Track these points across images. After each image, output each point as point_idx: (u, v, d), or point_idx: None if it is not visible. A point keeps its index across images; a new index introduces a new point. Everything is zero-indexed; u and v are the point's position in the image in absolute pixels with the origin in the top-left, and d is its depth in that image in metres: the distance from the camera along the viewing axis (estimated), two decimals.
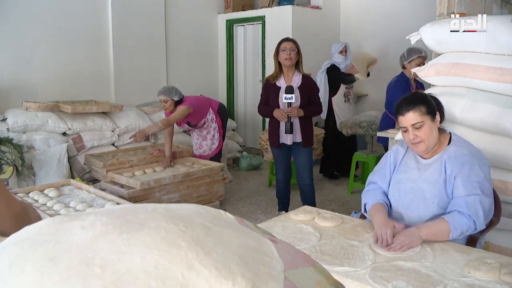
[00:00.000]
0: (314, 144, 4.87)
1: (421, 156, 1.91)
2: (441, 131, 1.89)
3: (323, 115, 5.04)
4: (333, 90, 4.93)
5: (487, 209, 1.73)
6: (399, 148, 2.03)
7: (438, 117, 1.84)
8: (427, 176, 1.86)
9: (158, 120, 4.03)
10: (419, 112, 1.78)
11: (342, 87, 4.91)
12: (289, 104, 3.27)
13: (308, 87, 3.36)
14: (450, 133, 1.92)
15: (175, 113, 3.92)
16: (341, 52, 4.87)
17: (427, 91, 2.35)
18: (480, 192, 1.72)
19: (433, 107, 1.83)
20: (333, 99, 4.93)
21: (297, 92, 3.29)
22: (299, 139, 3.38)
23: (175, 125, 4.15)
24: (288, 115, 3.25)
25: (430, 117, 1.80)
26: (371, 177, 2.09)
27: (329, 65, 4.91)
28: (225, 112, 4.44)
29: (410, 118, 1.79)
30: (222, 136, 4.31)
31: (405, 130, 1.83)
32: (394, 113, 1.88)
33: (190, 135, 4.51)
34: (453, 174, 1.78)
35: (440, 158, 1.85)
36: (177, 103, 3.95)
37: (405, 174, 1.93)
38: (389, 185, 2.00)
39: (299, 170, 3.50)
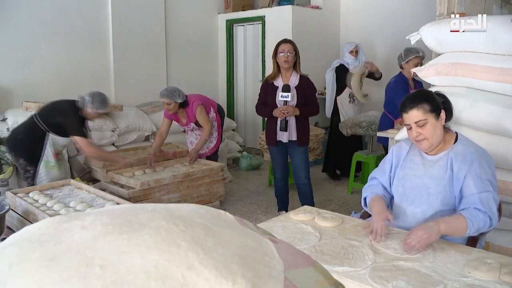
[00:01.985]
0: (314, 144, 4.87)
1: (426, 153, 1.91)
2: (446, 129, 1.90)
3: (328, 114, 5.02)
4: (338, 90, 4.92)
5: (498, 206, 1.74)
6: (403, 145, 2.04)
7: (443, 115, 1.84)
8: (432, 172, 1.86)
9: (202, 135, 3.99)
10: (422, 110, 1.79)
11: (348, 88, 4.89)
12: (285, 102, 3.29)
13: (305, 87, 3.38)
14: (456, 132, 1.92)
15: (203, 119, 3.91)
16: (351, 52, 4.82)
17: (432, 89, 2.35)
18: (492, 189, 1.73)
19: (438, 105, 1.82)
20: (338, 98, 4.92)
21: (293, 91, 3.32)
22: (294, 137, 3.40)
23: (176, 124, 4.15)
24: (283, 113, 3.28)
25: (434, 115, 1.80)
26: (372, 173, 2.13)
27: (338, 65, 4.88)
28: (223, 112, 4.44)
29: (413, 115, 1.80)
30: (220, 135, 4.30)
31: (409, 128, 1.83)
32: (399, 110, 1.88)
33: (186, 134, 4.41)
34: (462, 173, 1.78)
35: (446, 155, 1.85)
36: (181, 105, 3.89)
37: (410, 170, 1.94)
38: (389, 179, 2.02)
39: (296, 170, 3.53)
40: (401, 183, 1.95)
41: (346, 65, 4.86)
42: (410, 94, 1.93)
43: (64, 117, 3.34)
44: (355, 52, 4.83)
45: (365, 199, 2.06)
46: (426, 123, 1.79)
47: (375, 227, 1.76)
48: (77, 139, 3.38)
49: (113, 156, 3.85)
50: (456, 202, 1.82)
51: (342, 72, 4.86)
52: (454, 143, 1.87)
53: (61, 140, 3.46)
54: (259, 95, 3.53)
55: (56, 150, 3.48)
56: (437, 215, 1.82)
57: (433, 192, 1.84)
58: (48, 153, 3.42)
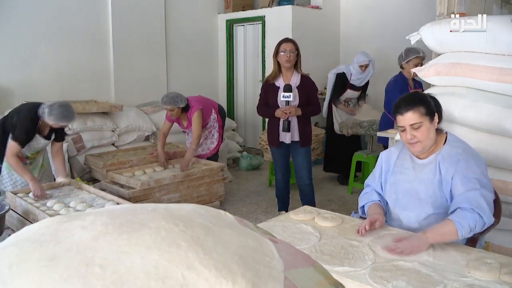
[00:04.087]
0: (314, 144, 4.86)
1: (416, 156, 1.91)
2: (438, 131, 1.89)
3: (324, 113, 5.01)
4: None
5: (490, 203, 1.70)
6: (392, 149, 2.04)
7: (436, 118, 1.84)
8: (422, 177, 1.86)
9: (190, 143, 3.95)
10: (418, 113, 1.78)
11: (346, 92, 4.85)
12: (287, 102, 3.28)
13: (306, 87, 3.36)
14: (446, 132, 1.92)
15: (195, 125, 3.87)
16: (361, 66, 4.67)
17: (427, 91, 2.35)
18: (479, 186, 1.70)
19: (432, 108, 1.82)
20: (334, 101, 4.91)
21: (295, 91, 3.31)
22: (297, 138, 3.39)
23: (176, 124, 4.14)
24: (285, 113, 3.27)
25: (428, 118, 1.80)
26: (366, 180, 2.14)
27: (340, 72, 4.78)
28: (224, 112, 4.44)
29: (408, 118, 1.79)
30: (221, 136, 4.29)
31: (403, 130, 1.82)
32: (393, 112, 1.87)
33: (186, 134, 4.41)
34: (450, 174, 1.77)
35: (434, 159, 1.85)
36: (183, 109, 3.91)
37: (401, 175, 1.94)
38: (380, 185, 2.03)
39: (298, 170, 3.51)
40: (393, 189, 1.96)
41: (348, 75, 4.74)
42: (404, 96, 1.91)
43: (18, 117, 3.11)
44: (364, 67, 4.69)
45: (362, 207, 2.07)
46: (421, 126, 1.78)
47: (361, 227, 1.80)
48: (10, 141, 3.07)
49: (26, 176, 3.12)
50: (449, 204, 1.81)
51: (341, 81, 4.76)
52: (444, 144, 1.87)
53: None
54: (260, 95, 3.51)
55: (22, 153, 3.18)
56: (431, 218, 1.83)
57: (424, 197, 1.85)
58: None
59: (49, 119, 3.03)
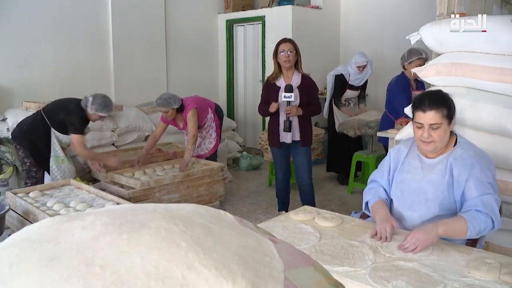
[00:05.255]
0: (314, 144, 4.86)
1: (425, 156, 1.90)
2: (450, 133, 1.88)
3: (325, 114, 5.01)
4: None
5: (499, 209, 1.72)
6: (401, 147, 2.01)
7: (453, 121, 1.82)
8: (431, 177, 1.85)
9: (187, 143, 3.95)
10: (441, 114, 1.76)
11: (346, 93, 4.85)
12: (288, 102, 3.28)
13: (307, 87, 3.37)
14: (456, 134, 1.91)
15: (190, 124, 3.85)
16: (359, 67, 4.65)
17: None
18: (493, 191, 1.72)
19: (452, 111, 1.81)
20: (334, 101, 4.90)
21: (296, 91, 3.31)
22: (298, 137, 3.39)
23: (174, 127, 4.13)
24: (286, 113, 3.27)
25: (447, 121, 1.78)
26: (372, 176, 2.10)
27: (338, 74, 4.77)
28: (221, 112, 4.42)
29: (430, 117, 1.76)
30: (219, 136, 4.29)
31: (420, 127, 1.79)
32: (414, 106, 1.83)
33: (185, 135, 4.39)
34: (463, 177, 1.76)
35: (445, 159, 1.83)
36: (178, 110, 3.90)
37: (408, 174, 1.92)
38: (388, 182, 2.01)
39: (298, 170, 3.51)
40: (399, 187, 1.94)
41: (347, 76, 4.73)
42: (429, 93, 1.89)
43: (67, 114, 3.42)
44: (362, 68, 4.68)
45: (366, 203, 2.03)
46: (439, 127, 1.76)
47: (382, 233, 1.73)
48: (73, 137, 3.43)
49: (103, 156, 3.87)
50: (457, 206, 1.80)
51: (339, 82, 4.76)
52: (454, 145, 1.86)
53: (64, 138, 3.53)
54: (261, 95, 3.51)
55: (62, 146, 3.56)
56: (436, 219, 1.82)
57: (431, 197, 1.83)
58: (56, 147, 3.52)
59: (91, 109, 3.42)
